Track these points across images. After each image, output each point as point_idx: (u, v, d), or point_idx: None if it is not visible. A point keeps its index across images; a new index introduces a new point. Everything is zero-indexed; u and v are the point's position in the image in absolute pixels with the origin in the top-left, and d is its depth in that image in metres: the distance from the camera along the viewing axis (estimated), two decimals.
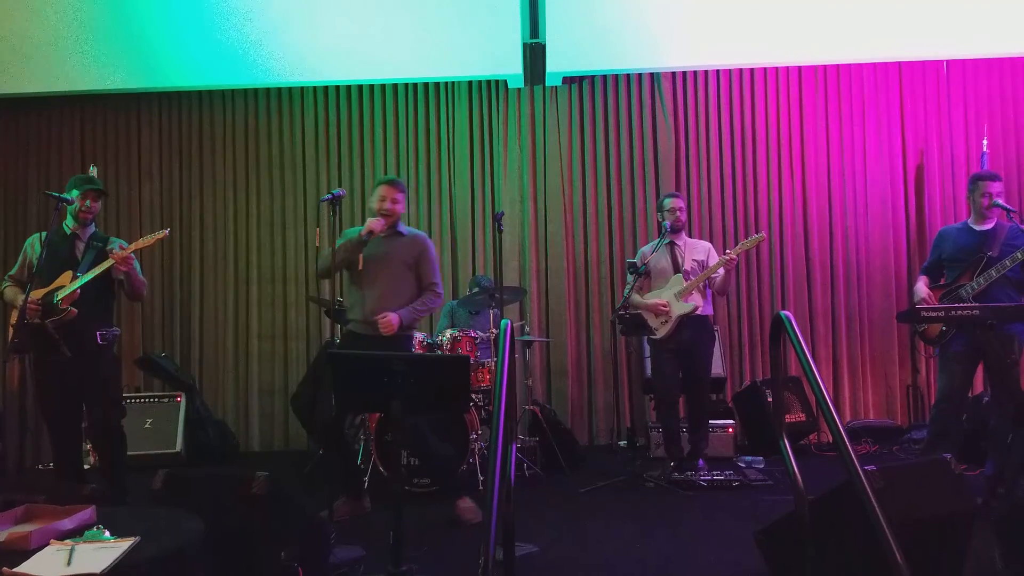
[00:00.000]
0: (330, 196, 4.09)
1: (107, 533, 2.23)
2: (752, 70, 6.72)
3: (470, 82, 6.85)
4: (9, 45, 6.42)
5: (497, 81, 6.83)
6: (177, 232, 6.88)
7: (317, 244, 4.16)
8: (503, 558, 2.59)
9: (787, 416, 5.81)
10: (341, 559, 3.34)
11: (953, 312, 4.00)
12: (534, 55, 6.57)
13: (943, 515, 2.64)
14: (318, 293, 6.46)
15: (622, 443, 6.33)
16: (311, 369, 5.35)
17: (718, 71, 6.74)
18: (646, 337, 5.47)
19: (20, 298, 4.00)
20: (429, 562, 3.47)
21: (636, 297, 5.09)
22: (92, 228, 4.27)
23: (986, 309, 3.92)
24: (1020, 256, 4.19)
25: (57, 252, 4.12)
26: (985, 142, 6.33)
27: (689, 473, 4.86)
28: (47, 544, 2.17)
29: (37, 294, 3.97)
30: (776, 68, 6.71)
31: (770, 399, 5.83)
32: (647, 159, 6.76)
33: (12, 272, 4.26)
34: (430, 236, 6.71)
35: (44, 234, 4.12)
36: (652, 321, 5.05)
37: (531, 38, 6.51)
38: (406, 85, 6.90)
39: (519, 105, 6.84)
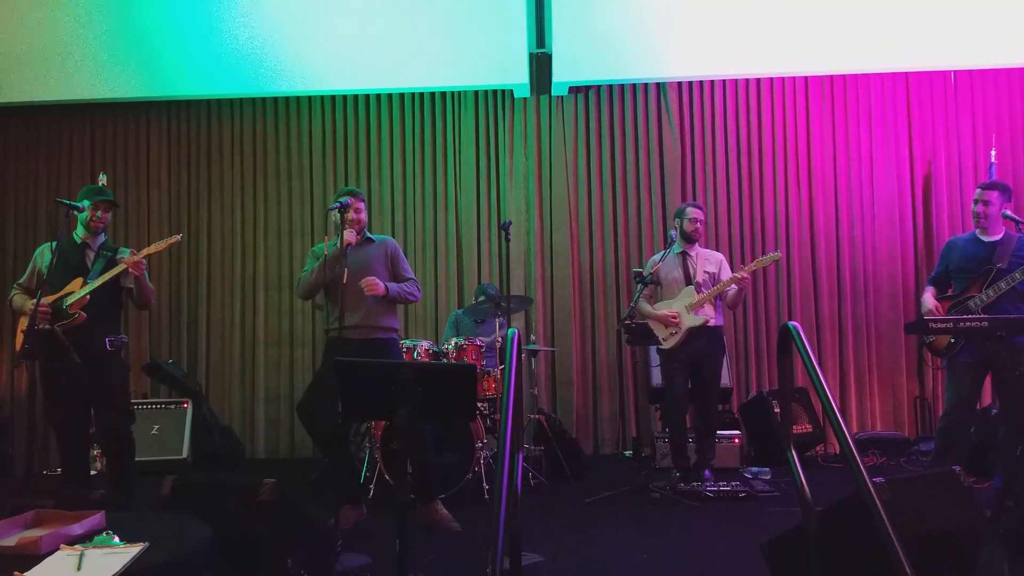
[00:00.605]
0: (337, 204, 4.13)
1: (116, 539, 2.24)
2: (759, 80, 6.74)
3: (476, 91, 6.88)
4: (21, 54, 6.47)
5: (503, 90, 6.86)
6: (185, 239, 6.91)
7: (325, 252, 4.17)
8: (509, 567, 2.58)
9: (794, 427, 5.79)
10: (347, 567, 3.34)
11: (961, 323, 4.00)
12: (540, 65, 6.59)
13: (951, 528, 2.63)
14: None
15: (627, 453, 6.33)
16: (316, 376, 5.37)
17: (724, 81, 6.76)
18: (655, 347, 5.45)
19: (29, 305, 4.02)
20: (435, 570, 3.47)
21: (646, 307, 5.08)
22: (102, 238, 4.31)
23: (995, 321, 3.92)
24: None
25: (67, 260, 4.14)
26: (993, 152, 6.33)
27: (695, 484, 4.84)
28: (57, 549, 2.18)
29: (47, 299, 3.98)
30: (783, 78, 6.72)
31: (777, 410, 5.82)
32: (653, 169, 6.77)
33: (21, 280, 4.29)
34: (436, 245, 6.84)
35: (54, 243, 4.14)
36: (660, 332, 5.04)
37: (537, 48, 6.54)
38: (413, 94, 6.94)
39: (525, 114, 6.86)
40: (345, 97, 6.99)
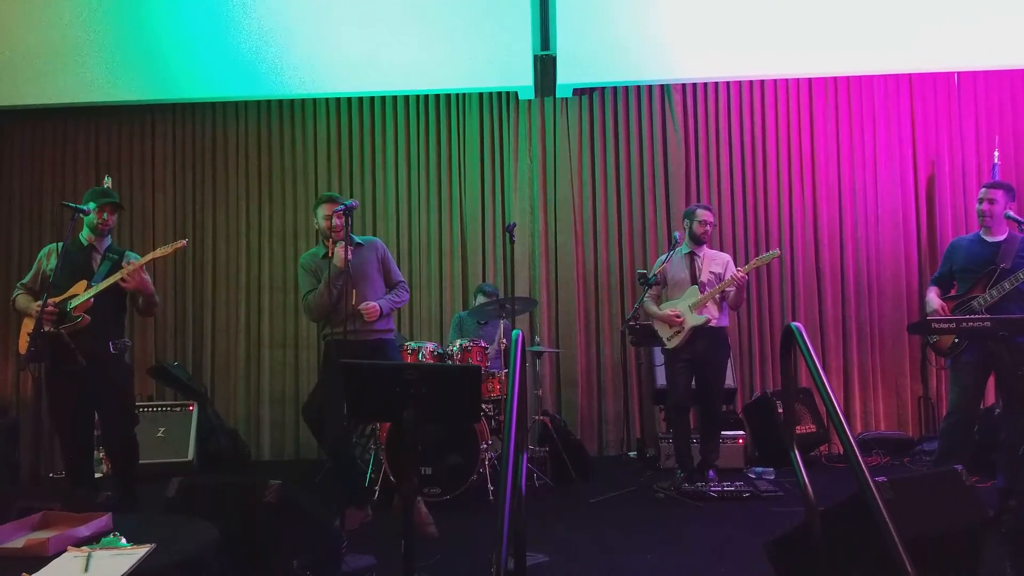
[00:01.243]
0: (343, 207, 4.12)
1: (123, 540, 2.26)
2: (763, 81, 6.74)
3: (481, 94, 6.89)
4: (26, 57, 6.50)
5: (508, 93, 6.87)
6: (190, 242, 6.88)
7: (330, 255, 4.18)
8: (514, 568, 2.59)
9: (798, 427, 5.79)
10: (353, 567, 3.35)
11: (965, 324, 4.00)
12: (545, 67, 6.60)
13: (954, 527, 2.64)
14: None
15: (632, 453, 6.33)
16: (320, 378, 5.38)
17: (728, 83, 6.76)
18: (659, 348, 5.46)
19: (32, 306, 4.03)
20: (440, 571, 3.48)
21: (651, 306, 5.10)
22: (108, 240, 4.32)
23: (998, 321, 3.92)
24: None
25: (73, 262, 4.15)
26: (996, 153, 6.32)
27: (699, 484, 4.85)
28: (64, 551, 2.19)
29: (51, 301, 4.00)
30: (787, 80, 6.72)
31: (781, 410, 5.82)
32: (657, 170, 6.78)
33: (25, 281, 4.29)
34: (440, 247, 6.85)
35: (59, 245, 4.15)
36: (664, 332, 5.05)
37: (542, 50, 6.56)
38: (417, 97, 6.95)
39: (530, 116, 6.87)
40: (350, 100, 7.01)
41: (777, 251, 5.03)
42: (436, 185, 6.93)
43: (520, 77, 6.50)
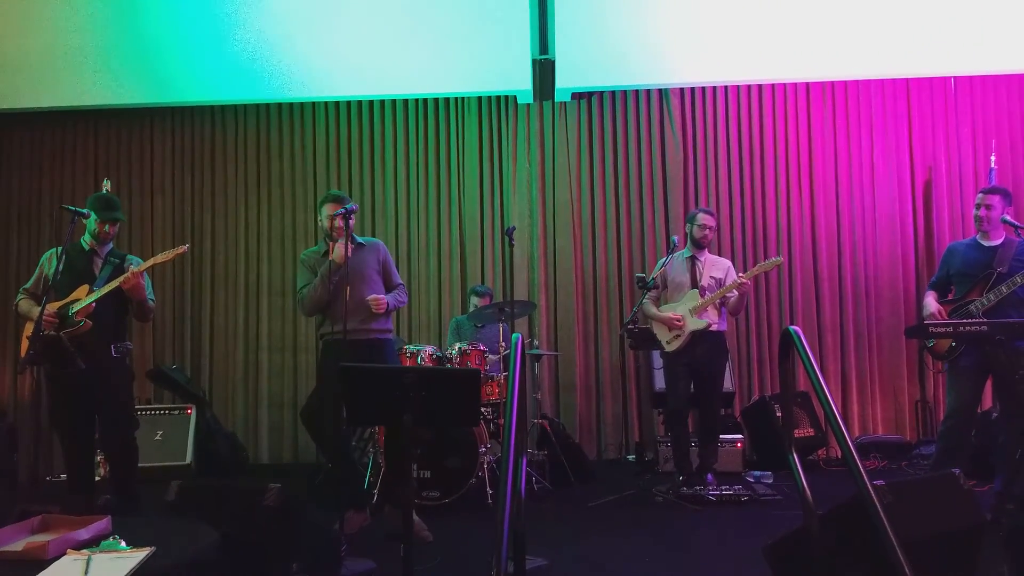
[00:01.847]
0: (342, 210, 4.13)
1: (123, 543, 2.25)
2: (760, 86, 6.76)
3: (480, 98, 6.91)
4: (25, 61, 6.51)
5: (507, 97, 6.89)
6: (188, 245, 6.93)
7: (331, 257, 4.19)
8: (514, 571, 2.60)
9: (796, 431, 5.80)
10: (352, 571, 3.36)
11: (962, 328, 4.02)
12: (543, 71, 6.62)
13: (952, 530, 2.64)
14: None
15: (631, 457, 6.33)
16: (319, 381, 5.39)
17: (726, 87, 6.78)
18: (658, 351, 5.47)
19: (35, 311, 4.03)
20: (440, 575, 3.48)
21: (651, 309, 5.12)
22: (110, 245, 4.32)
23: (995, 325, 3.94)
24: None
25: (75, 267, 4.15)
26: (993, 158, 6.35)
27: (698, 488, 4.86)
28: (64, 554, 2.19)
29: (53, 306, 4.00)
30: (784, 84, 6.75)
31: (779, 414, 5.84)
32: (655, 174, 6.80)
33: (27, 286, 4.29)
34: (439, 250, 6.86)
35: (60, 249, 4.15)
36: (663, 335, 5.06)
37: (540, 54, 6.56)
38: (416, 100, 6.97)
39: (528, 120, 6.89)
40: (349, 103, 7.02)
41: (779, 258, 5.05)
42: (435, 189, 6.94)
43: (519, 81, 6.52)
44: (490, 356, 5.35)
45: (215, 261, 7.03)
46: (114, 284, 4.06)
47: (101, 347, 4.08)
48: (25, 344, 4.03)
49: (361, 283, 4.26)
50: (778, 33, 6.24)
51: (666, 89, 6.79)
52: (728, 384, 5.89)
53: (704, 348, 4.95)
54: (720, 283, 5.01)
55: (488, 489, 4.82)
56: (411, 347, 5.14)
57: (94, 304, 4.04)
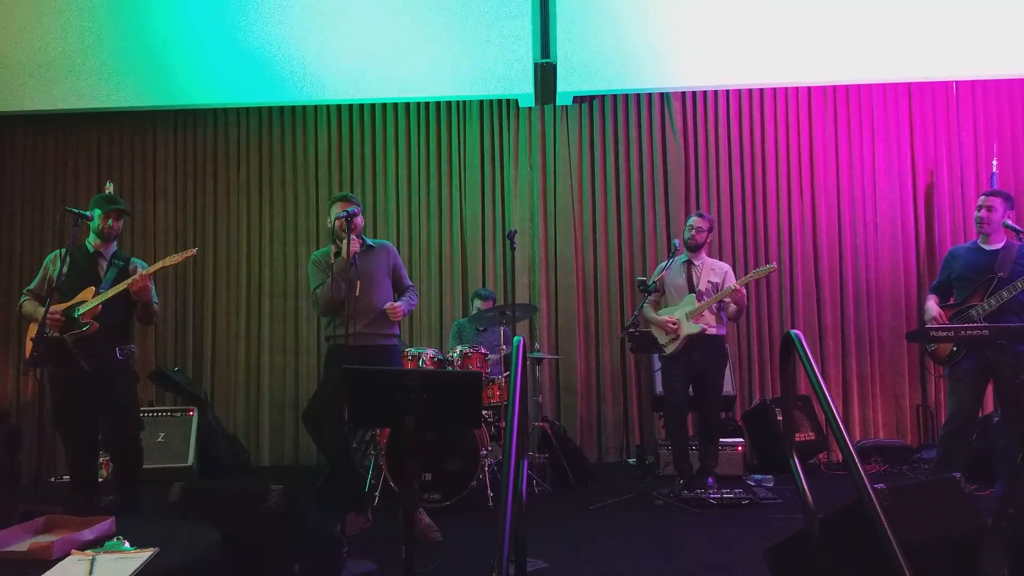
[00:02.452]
0: (344, 214, 4.14)
1: (127, 544, 2.26)
2: (762, 90, 6.77)
3: (481, 101, 6.92)
4: (27, 64, 6.52)
5: (508, 100, 6.90)
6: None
7: (332, 261, 4.20)
8: (515, 574, 2.61)
9: (797, 435, 5.80)
10: (353, 573, 3.36)
11: (963, 332, 4.02)
12: (545, 75, 6.63)
13: (953, 534, 2.65)
14: None
15: (631, 460, 6.34)
16: (321, 384, 5.39)
17: (728, 91, 6.79)
18: (658, 354, 5.48)
19: (39, 312, 4.03)
20: None
21: (649, 312, 5.14)
22: (114, 246, 4.32)
23: (996, 329, 3.94)
24: None
25: (79, 269, 4.15)
26: (995, 162, 6.35)
27: (699, 491, 4.85)
28: (68, 554, 2.20)
29: (58, 308, 4.01)
30: (786, 88, 6.76)
31: (780, 417, 5.84)
32: (657, 178, 6.81)
33: (31, 287, 4.29)
34: (441, 254, 6.87)
35: (64, 250, 4.15)
36: (662, 338, 5.08)
37: (542, 58, 6.57)
38: (418, 104, 6.98)
39: (530, 124, 6.90)
40: (351, 106, 7.04)
41: (772, 265, 5.08)
42: (436, 192, 6.95)
43: (520, 85, 6.53)
44: (490, 356, 5.36)
45: (217, 263, 7.04)
46: (122, 286, 4.06)
47: (106, 349, 4.08)
48: (29, 345, 4.04)
49: (370, 285, 4.25)
50: (779, 37, 6.24)
51: (667, 93, 6.80)
52: (729, 387, 5.90)
53: (702, 352, 4.96)
54: (717, 287, 5.03)
55: (489, 491, 4.83)
56: (412, 350, 5.15)
57: (100, 307, 4.04)
